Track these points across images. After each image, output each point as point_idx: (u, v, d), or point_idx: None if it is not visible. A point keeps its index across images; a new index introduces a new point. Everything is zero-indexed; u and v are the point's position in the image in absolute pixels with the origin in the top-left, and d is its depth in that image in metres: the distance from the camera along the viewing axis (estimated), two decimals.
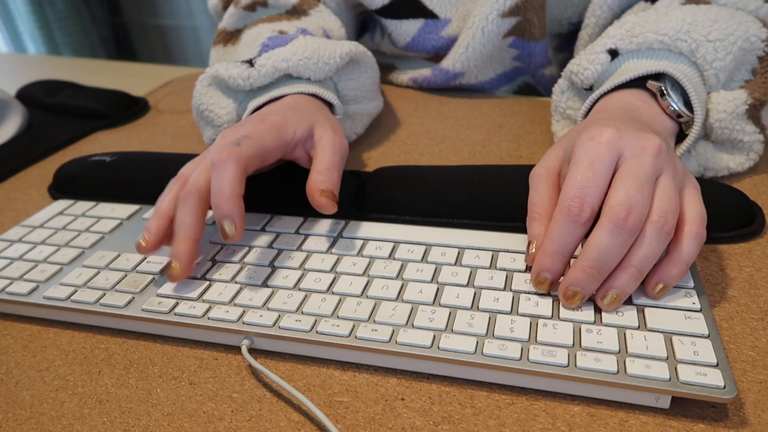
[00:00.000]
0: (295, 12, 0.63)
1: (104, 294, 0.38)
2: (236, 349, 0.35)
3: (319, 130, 0.44)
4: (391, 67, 0.74)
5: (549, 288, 0.34)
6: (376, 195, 0.45)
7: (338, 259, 0.39)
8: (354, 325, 0.33)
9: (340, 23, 0.64)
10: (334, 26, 0.63)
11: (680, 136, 0.45)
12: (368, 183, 0.47)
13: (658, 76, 0.44)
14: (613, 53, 0.47)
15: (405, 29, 0.66)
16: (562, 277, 0.34)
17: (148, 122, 0.69)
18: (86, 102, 0.69)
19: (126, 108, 0.70)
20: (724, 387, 0.28)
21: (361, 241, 0.40)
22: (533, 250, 0.36)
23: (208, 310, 0.36)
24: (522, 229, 0.39)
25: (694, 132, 0.43)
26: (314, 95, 0.51)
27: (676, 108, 0.43)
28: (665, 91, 0.43)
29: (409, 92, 0.70)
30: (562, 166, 0.37)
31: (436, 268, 0.37)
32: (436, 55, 0.68)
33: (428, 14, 0.65)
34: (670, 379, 0.28)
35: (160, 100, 0.75)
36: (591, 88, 0.49)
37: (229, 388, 0.33)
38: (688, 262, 0.33)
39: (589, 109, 0.46)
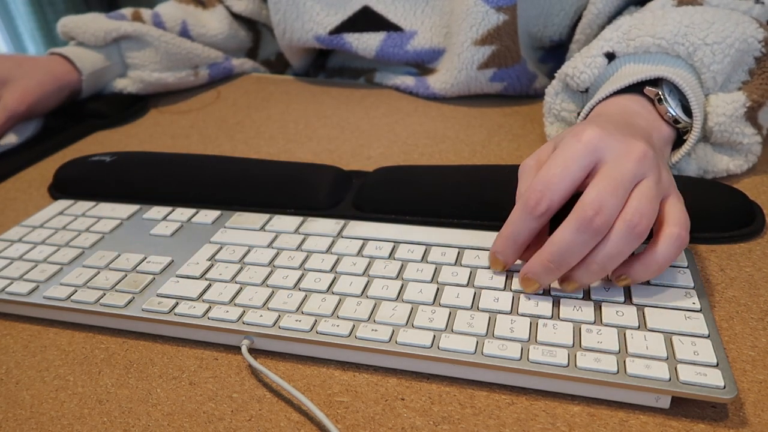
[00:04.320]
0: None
1: (104, 294, 0.38)
2: (236, 349, 0.35)
3: None
4: (373, 70, 0.75)
5: (502, 269, 0.36)
6: (376, 195, 0.45)
7: (338, 259, 0.39)
8: (354, 325, 0.33)
9: (221, 27, 0.76)
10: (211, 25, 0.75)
11: (679, 141, 0.45)
12: (368, 183, 0.47)
13: (656, 81, 0.44)
14: (610, 56, 0.47)
15: (366, 42, 0.66)
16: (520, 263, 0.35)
17: (148, 122, 0.69)
18: (86, 102, 0.69)
19: (126, 108, 0.70)
20: (724, 387, 0.28)
21: (361, 241, 0.40)
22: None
23: (208, 310, 0.35)
24: None
25: (693, 137, 0.43)
26: None
27: (674, 114, 0.43)
28: (663, 97, 0.43)
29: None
30: None
31: (436, 268, 0.37)
32: (416, 64, 0.68)
33: (390, 27, 0.65)
34: (670, 379, 0.28)
35: (160, 100, 0.75)
36: (587, 91, 0.48)
37: (229, 388, 0.33)
38: (662, 264, 0.32)
39: (587, 115, 0.46)
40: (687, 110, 0.43)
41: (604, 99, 0.45)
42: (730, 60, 0.43)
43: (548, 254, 0.32)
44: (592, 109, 0.45)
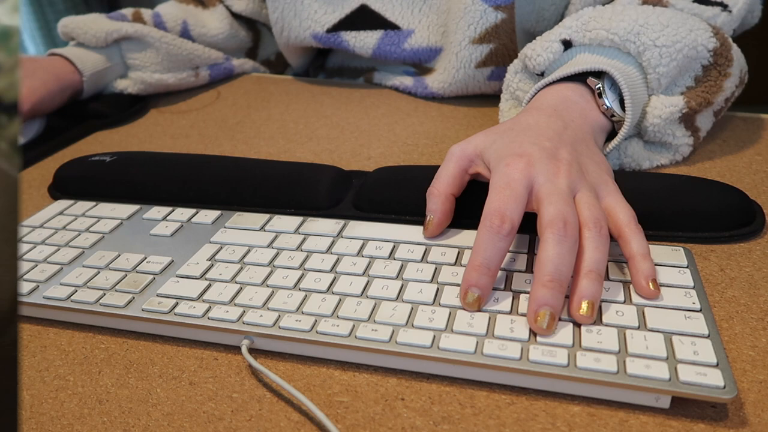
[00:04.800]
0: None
1: (104, 294, 0.38)
2: (236, 349, 0.35)
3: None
4: (372, 69, 0.75)
5: (478, 306, 0.33)
6: (376, 195, 0.45)
7: (338, 259, 0.39)
8: (354, 325, 0.33)
9: (222, 26, 0.76)
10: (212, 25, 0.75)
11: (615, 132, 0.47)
12: (368, 183, 0.47)
13: (602, 73, 0.45)
14: (567, 44, 0.48)
15: (364, 40, 0.67)
16: (492, 295, 0.34)
17: (148, 122, 0.69)
18: (86, 102, 0.69)
19: (126, 108, 0.70)
20: (724, 387, 0.28)
21: (361, 241, 0.40)
22: (429, 223, 0.40)
23: (208, 310, 0.35)
24: (521, 230, 0.39)
25: (623, 132, 0.45)
26: None
27: (609, 106, 0.45)
28: (602, 90, 0.45)
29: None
30: (476, 158, 0.40)
31: (436, 268, 0.37)
32: (413, 64, 0.69)
33: (387, 25, 0.66)
34: (670, 379, 0.28)
35: (160, 100, 0.75)
36: (543, 74, 0.50)
37: (229, 388, 0.33)
38: (649, 254, 0.35)
39: (532, 96, 0.48)
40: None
41: (549, 84, 0.46)
42: (676, 64, 0.45)
43: (546, 274, 0.32)
44: (537, 92, 0.47)
